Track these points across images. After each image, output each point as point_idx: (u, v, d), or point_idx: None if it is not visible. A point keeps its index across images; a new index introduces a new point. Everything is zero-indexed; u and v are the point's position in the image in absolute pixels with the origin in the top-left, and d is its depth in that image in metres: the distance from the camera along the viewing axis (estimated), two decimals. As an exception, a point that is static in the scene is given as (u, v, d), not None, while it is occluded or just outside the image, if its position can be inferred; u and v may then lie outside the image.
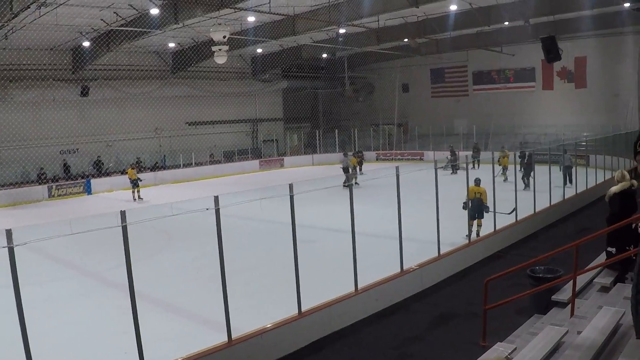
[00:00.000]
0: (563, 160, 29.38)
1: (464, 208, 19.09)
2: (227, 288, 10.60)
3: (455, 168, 37.48)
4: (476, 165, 36.27)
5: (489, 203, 19.47)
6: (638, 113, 40.09)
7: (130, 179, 35.11)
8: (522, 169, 29.74)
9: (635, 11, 29.75)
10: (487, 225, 19.43)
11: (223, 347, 10.53)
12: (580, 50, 46.08)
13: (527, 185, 27.90)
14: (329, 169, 42.53)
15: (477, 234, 19.32)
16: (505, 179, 31.13)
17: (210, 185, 38.42)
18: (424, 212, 17.92)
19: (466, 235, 18.62)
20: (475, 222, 19.37)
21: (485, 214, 19.47)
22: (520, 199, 20.75)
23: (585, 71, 48.13)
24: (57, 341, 12.37)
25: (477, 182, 19.79)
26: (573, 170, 28.05)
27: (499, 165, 32.43)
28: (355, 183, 33.77)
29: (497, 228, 19.36)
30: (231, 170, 48.41)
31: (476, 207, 19.20)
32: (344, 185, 31.31)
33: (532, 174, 25.12)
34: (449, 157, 40.09)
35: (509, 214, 20.39)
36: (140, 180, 35.31)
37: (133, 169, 36.01)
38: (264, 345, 11.21)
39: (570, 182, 27.67)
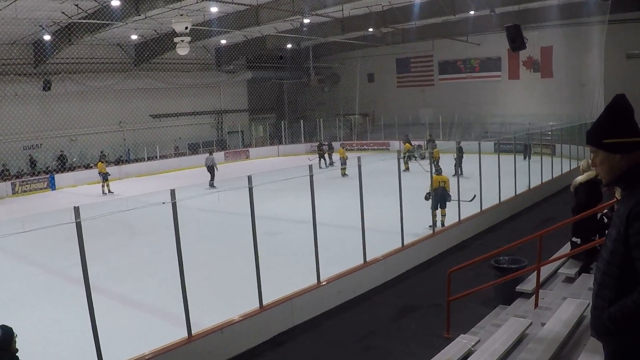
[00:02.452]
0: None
1: (426, 198, 18.97)
2: (187, 282, 10.45)
3: (422, 157, 37.68)
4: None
5: (451, 192, 19.40)
6: (604, 103, 40.17)
7: (100, 172, 34.77)
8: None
9: (602, 1, 29.76)
10: (451, 216, 19.31)
11: (183, 343, 10.36)
12: (547, 39, 46.15)
13: (456, 173, 28.60)
14: (294, 159, 42.33)
15: (442, 224, 19.19)
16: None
17: (175, 177, 38.07)
18: (389, 202, 17.74)
19: (430, 226, 18.55)
20: (439, 211, 19.25)
21: (447, 203, 19.36)
22: (485, 188, 20.63)
23: (551, 61, 48.36)
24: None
25: (439, 171, 19.73)
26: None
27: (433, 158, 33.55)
28: (344, 174, 33.52)
29: (461, 218, 19.22)
30: (196, 163, 47.50)
31: (440, 196, 19.07)
32: (210, 186, 31.28)
33: (461, 162, 27.89)
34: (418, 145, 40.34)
35: (471, 201, 20.26)
36: (109, 175, 34.90)
37: (102, 162, 35.73)
38: (225, 340, 11.03)
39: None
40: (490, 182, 21.14)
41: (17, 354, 6.88)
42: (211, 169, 34.58)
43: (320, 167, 38.53)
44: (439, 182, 19.17)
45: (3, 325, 6.91)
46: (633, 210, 3.33)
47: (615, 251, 3.48)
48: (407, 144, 38.41)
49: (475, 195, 20.33)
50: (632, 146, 3.47)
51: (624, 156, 3.47)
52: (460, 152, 29.87)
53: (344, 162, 35.21)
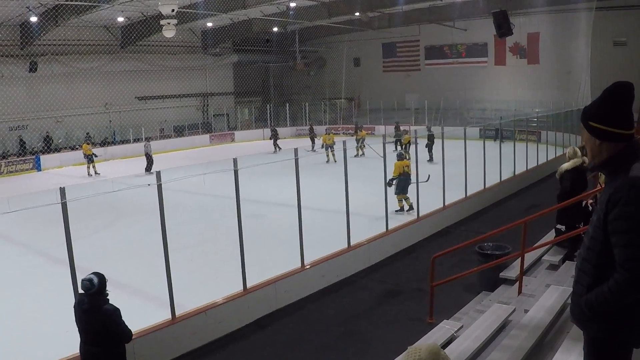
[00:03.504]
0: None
1: (389, 185, 18.85)
2: (171, 264, 10.41)
3: (399, 144, 37.61)
4: (398, 147, 35.73)
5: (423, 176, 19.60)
6: (590, 90, 40.30)
7: (85, 154, 34.60)
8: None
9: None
10: (436, 201, 19.24)
11: (167, 325, 10.36)
12: (534, 26, 46.01)
13: (430, 159, 29.72)
14: (279, 143, 42.19)
15: (411, 207, 19.30)
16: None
17: (160, 160, 37.92)
18: (374, 187, 17.74)
19: (396, 211, 19.15)
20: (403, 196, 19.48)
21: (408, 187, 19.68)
22: (470, 174, 20.60)
23: (538, 47, 48.31)
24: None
25: (402, 156, 19.80)
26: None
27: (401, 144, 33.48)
28: (334, 161, 33.35)
29: (446, 204, 19.21)
30: (181, 145, 47.77)
31: (405, 182, 19.26)
32: (146, 172, 31.15)
33: (432, 147, 28.60)
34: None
35: (426, 181, 20.07)
36: (96, 156, 34.77)
37: (88, 144, 35.56)
38: (208, 322, 11.02)
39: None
40: (474, 168, 21.11)
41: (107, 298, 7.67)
42: (148, 156, 34.21)
43: (275, 152, 38.39)
44: (403, 167, 19.41)
45: (96, 272, 7.56)
46: (611, 197, 3.35)
47: (595, 237, 3.50)
48: (362, 131, 38.40)
49: (429, 176, 20.22)
50: (614, 136, 3.45)
51: (603, 143, 3.47)
52: (430, 139, 29.94)
53: (327, 147, 34.99)
